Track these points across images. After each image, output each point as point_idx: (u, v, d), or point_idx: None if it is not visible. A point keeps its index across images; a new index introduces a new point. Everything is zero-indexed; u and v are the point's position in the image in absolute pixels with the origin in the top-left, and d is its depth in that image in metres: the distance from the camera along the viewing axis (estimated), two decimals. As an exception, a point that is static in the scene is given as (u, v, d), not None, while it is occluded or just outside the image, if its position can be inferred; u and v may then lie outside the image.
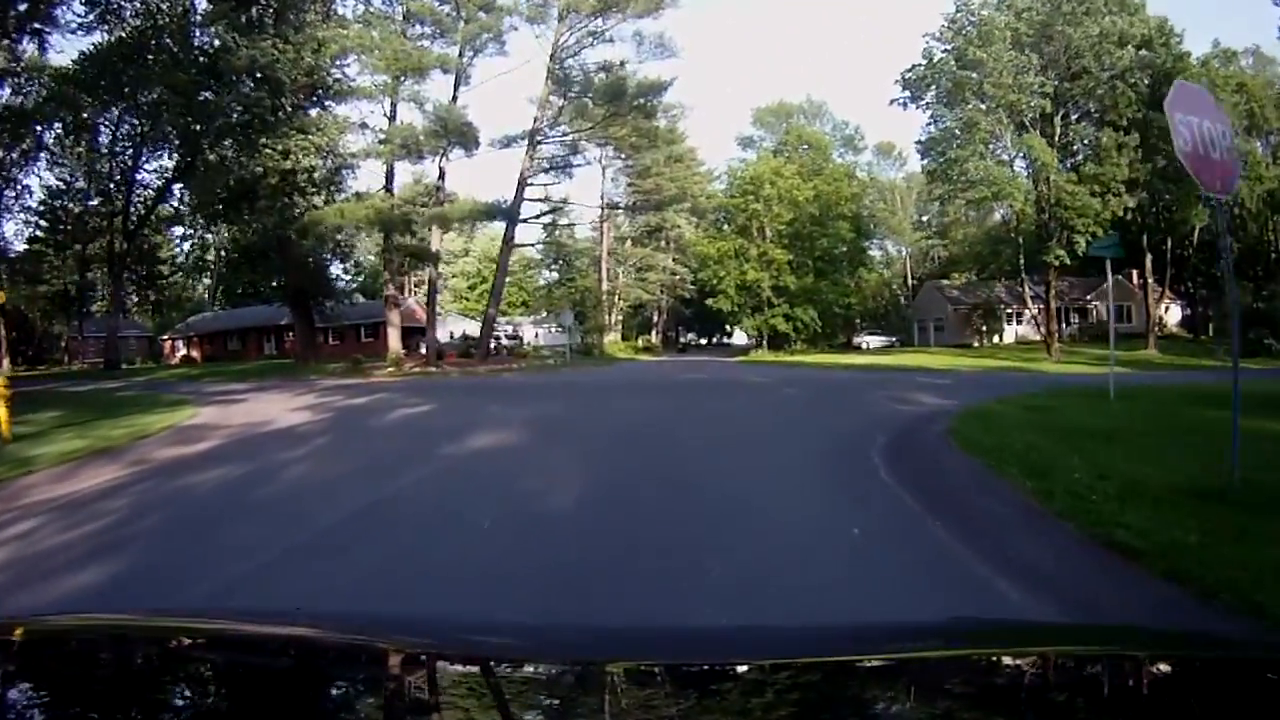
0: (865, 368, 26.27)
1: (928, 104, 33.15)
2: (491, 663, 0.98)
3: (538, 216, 33.92)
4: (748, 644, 1.17)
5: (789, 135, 52.22)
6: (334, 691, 0.94)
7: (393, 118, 28.56)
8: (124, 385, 22.91)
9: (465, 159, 37.63)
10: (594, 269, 53.86)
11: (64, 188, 38.13)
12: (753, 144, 56.05)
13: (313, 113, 25.59)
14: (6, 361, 41.39)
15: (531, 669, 0.99)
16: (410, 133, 27.02)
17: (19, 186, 38.26)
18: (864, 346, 47.60)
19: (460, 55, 29.01)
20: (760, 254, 44.38)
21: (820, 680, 0.90)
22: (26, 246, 39.87)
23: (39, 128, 33.69)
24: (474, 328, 49.59)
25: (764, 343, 44.30)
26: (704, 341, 76.54)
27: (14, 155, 36.58)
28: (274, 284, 32.27)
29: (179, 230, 53.08)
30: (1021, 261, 32.62)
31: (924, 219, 59.76)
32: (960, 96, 31.49)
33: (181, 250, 57.03)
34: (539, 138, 31.79)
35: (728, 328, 79.89)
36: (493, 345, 34.01)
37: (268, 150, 23.38)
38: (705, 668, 0.97)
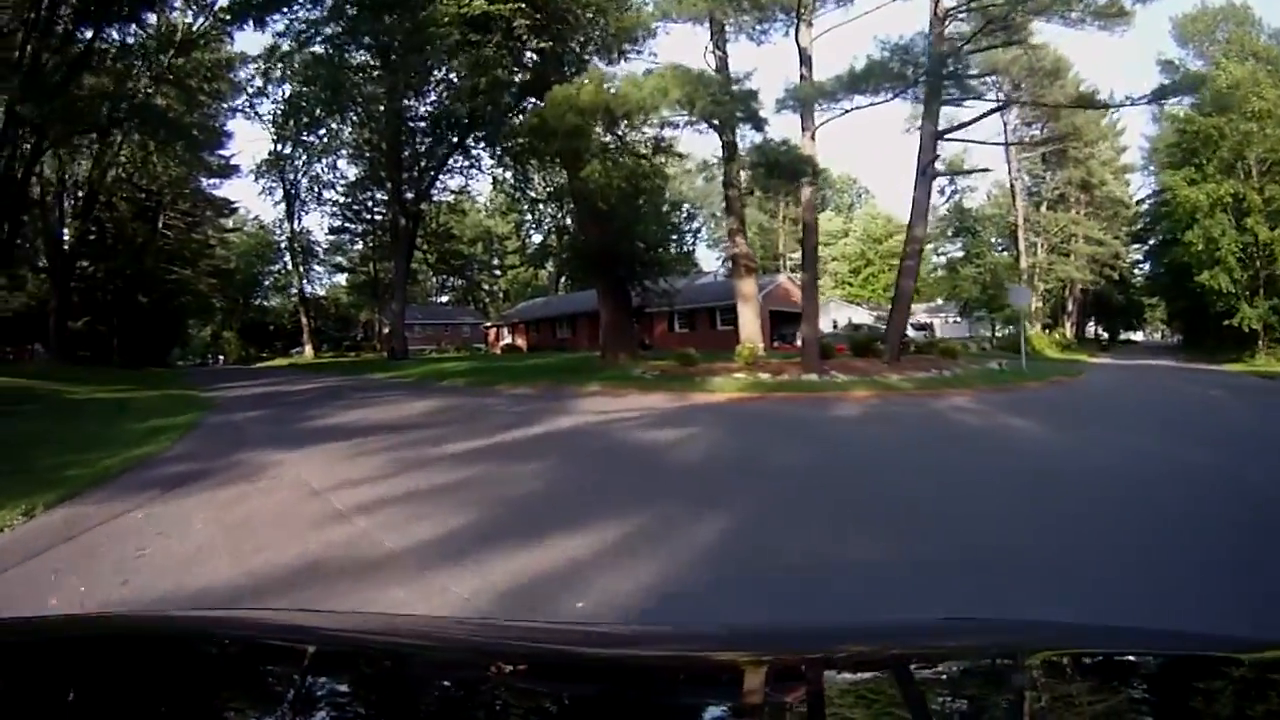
0: None
1: None
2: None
3: (968, 124, 19.69)
4: (740, 642, 1.12)
5: (1229, 46, 34.19)
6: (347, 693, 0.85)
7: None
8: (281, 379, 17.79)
9: (842, 23, 24.97)
10: (1003, 243, 38.81)
11: (364, 175, 35.32)
12: (1175, 69, 36.31)
13: None
14: (309, 348, 40.58)
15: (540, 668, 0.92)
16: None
17: (320, 182, 36.73)
18: None
19: None
20: (1268, 200, 28.59)
21: (816, 676, 0.87)
22: (329, 236, 39.19)
23: (337, 121, 30.00)
24: (860, 315, 38.03)
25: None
26: (1106, 337, 56.01)
27: (315, 152, 34.40)
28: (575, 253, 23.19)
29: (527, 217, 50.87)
30: None
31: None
32: None
33: (529, 239, 55.33)
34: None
35: (1134, 321, 58.02)
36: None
37: None
38: (703, 666, 0.94)
